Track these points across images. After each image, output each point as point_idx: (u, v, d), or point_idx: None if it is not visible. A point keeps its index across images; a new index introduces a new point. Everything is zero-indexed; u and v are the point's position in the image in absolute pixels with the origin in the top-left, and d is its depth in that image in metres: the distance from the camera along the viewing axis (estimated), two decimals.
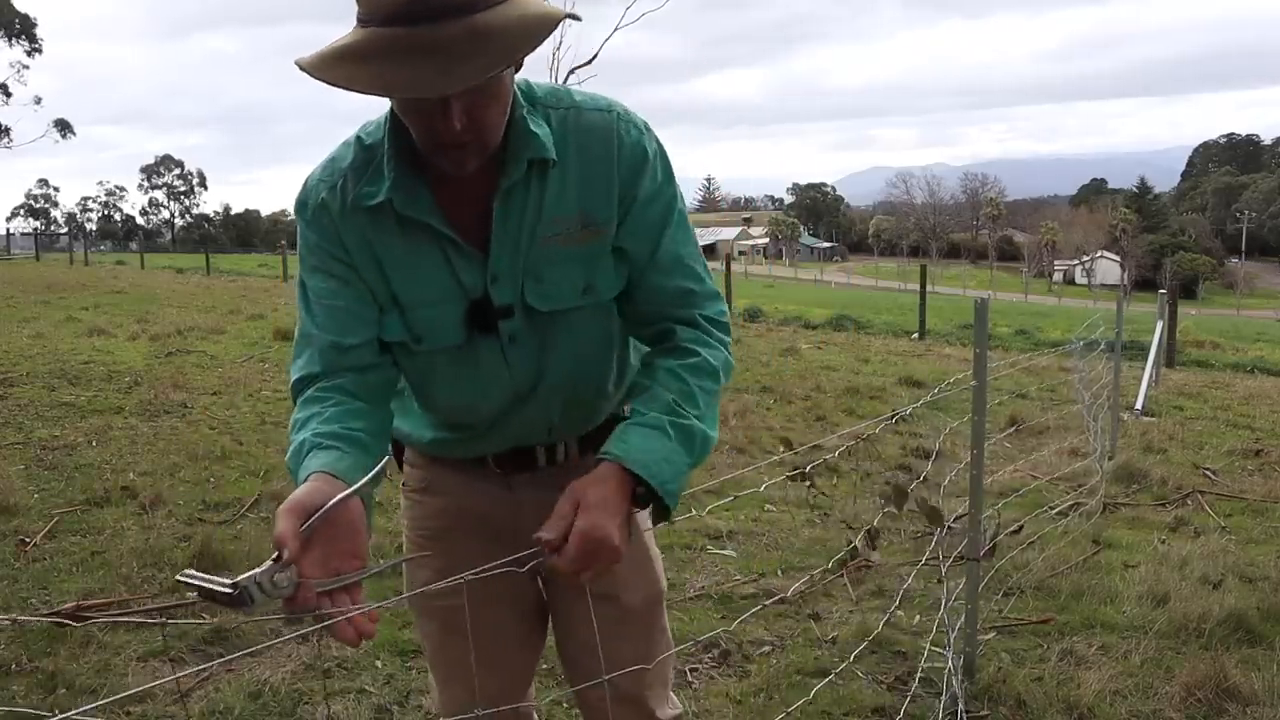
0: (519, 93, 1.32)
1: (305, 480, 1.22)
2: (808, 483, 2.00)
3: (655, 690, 1.66)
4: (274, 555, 1.09)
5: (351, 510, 1.19)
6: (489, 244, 1.34)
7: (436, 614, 1.59)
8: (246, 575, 1.06)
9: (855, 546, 2.15)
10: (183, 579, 1.06)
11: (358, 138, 1.37)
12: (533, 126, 1.30)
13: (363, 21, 1.15)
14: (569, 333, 1.42)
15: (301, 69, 1.15)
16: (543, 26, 1.16)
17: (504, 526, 1.52)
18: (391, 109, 1.30)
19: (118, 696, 2.70)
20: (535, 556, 1.26)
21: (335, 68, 1.14)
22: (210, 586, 1.05)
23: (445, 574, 1.36)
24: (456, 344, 1.39)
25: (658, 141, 1.41)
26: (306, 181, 1.39)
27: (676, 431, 1.32)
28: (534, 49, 1.17)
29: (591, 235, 1.37)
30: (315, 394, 1.41)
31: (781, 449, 5.90)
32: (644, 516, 1.50)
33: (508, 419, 1.48)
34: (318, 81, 1.15)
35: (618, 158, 1.36)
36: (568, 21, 1.25)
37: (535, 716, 1.79)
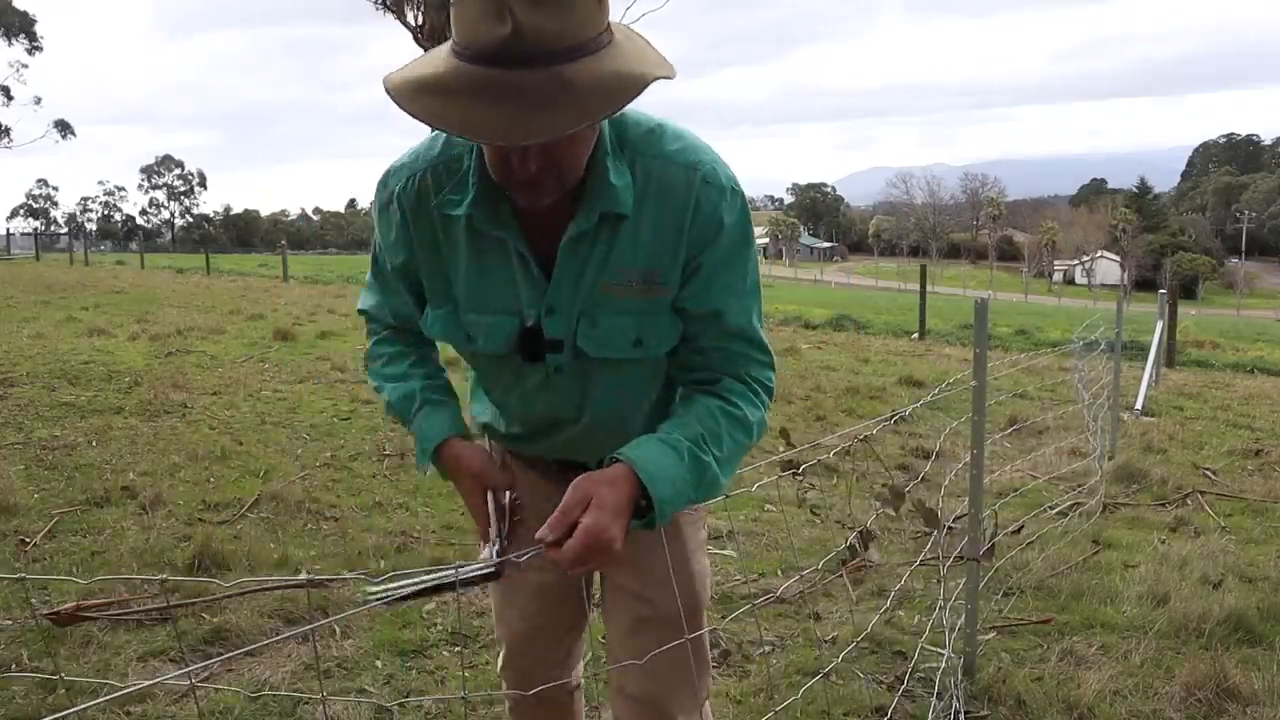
0: (609, 130, 1.31)
1: (438, 438, 1.47)
2: (800, 477, 2.00)
3: (682, 701, 1.64)
4: (494, 532, 1.40)
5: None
6: (551, 274, 1.37)
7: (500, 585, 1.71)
8: (493, 552, 1.39)
9: (852, 546, 2.16)
10: (386, 597, 1.26)
11: (446, 138, 1.38)
12: (613, 177, 1.30)
13: (456, 53, 1.14)
14: (614, 378, 1.45)
15: (387, 92, 1.16)
16: (629, 89, 1.14)
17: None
18: None
19: (117, 695, 2.70)
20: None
21: (419, 99, 1.14)
22: (435, 582, 1.29)
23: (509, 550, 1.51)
24: (500, 354, 1.45)
25: (741, 203, 1.38)
26: (389, 168, 1.43)
27: (692, 461, 1.33)
28: (615, 111, 1.15)
29: (652, 291, 1.36)
30: (400, 340, 1.56)
31: (781, 447, 5.90)
32: (694, 528, 1.64)
33: (552, 434, 1.55)
34: (398, 107, 1.16)
35: (691, 221, 1.34)
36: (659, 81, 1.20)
37: (580, 696, 1.88)
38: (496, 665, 1.89)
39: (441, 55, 1.16)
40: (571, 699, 1.85)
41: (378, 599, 1.23)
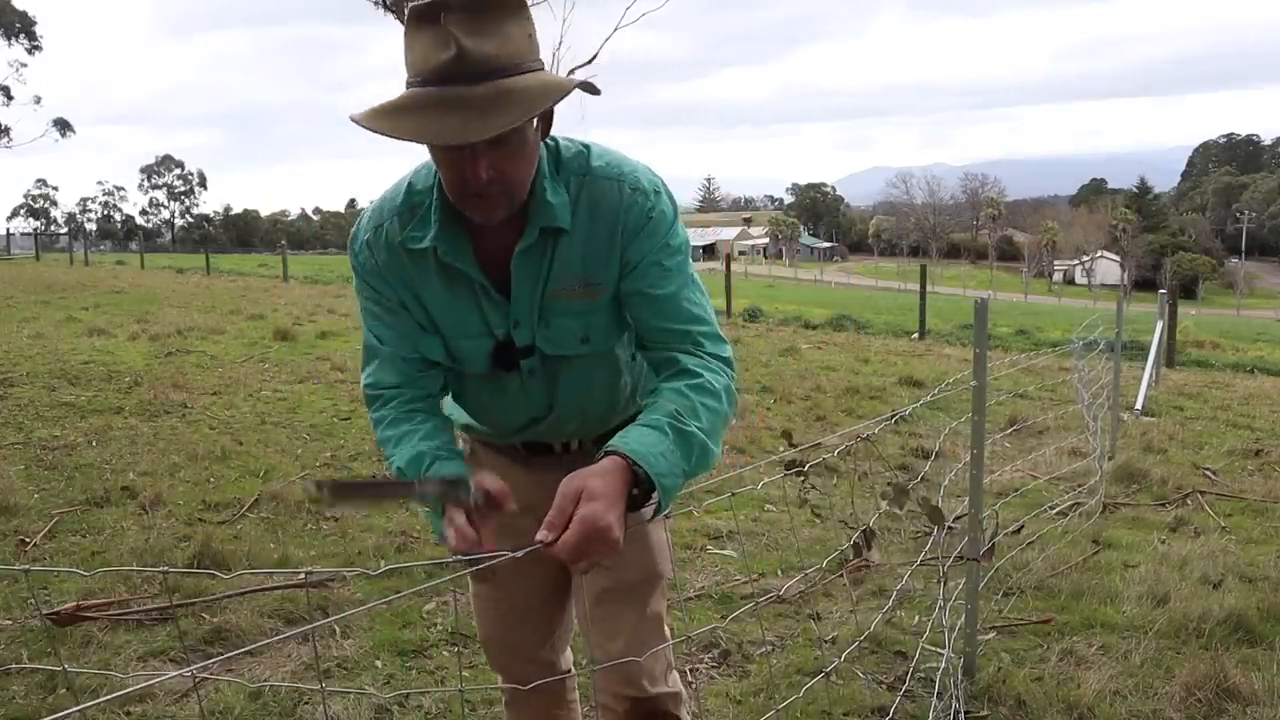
0: (545, 158, 1.49)
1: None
2: (802, 477, 2.01)
3: (649, 663, 1.74)
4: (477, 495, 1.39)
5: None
6: (509, 293, 1.53)
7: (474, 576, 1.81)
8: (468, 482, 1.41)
9: (856, 545, 2.15)
10: (335, 483, 1.30)
11: (409, 183, 1.56)
12: (550, 196, 1.48)
13: (409, 83, 1.34)
14: (573, 372, 1.62)
15: (354, 121, 1.34)
16: (559, 90, 1.33)
17: (524, 502, 1.63)
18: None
19: (117, 695, 2.70)
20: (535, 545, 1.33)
21: (380, 120, 1.31)
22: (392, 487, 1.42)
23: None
24: (483, 372, 1.60)
25: (666, 201, 1.55)
26: (359, 218, 1.61)
27: (675, 434, 1.40)
28: (546, 107, 1.33)
29: (592, 294, 1.54)
30: (403, 409, 1.59)
31: (783, 447, 5.90)
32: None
33: (526, 430, 1.71)
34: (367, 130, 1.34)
35: (622, 225, 1.51)
36: (578, 90, 1.40)
37: (571, 683, 2.00)
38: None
39: (398, 91, 1.36)
40: (563, 685, 1.96)
41: (323, 488, 1.34)
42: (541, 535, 1.28)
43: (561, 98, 1.34)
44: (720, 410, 1.48)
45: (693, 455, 1.41)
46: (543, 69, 1.37)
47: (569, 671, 1.98)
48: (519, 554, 1.34)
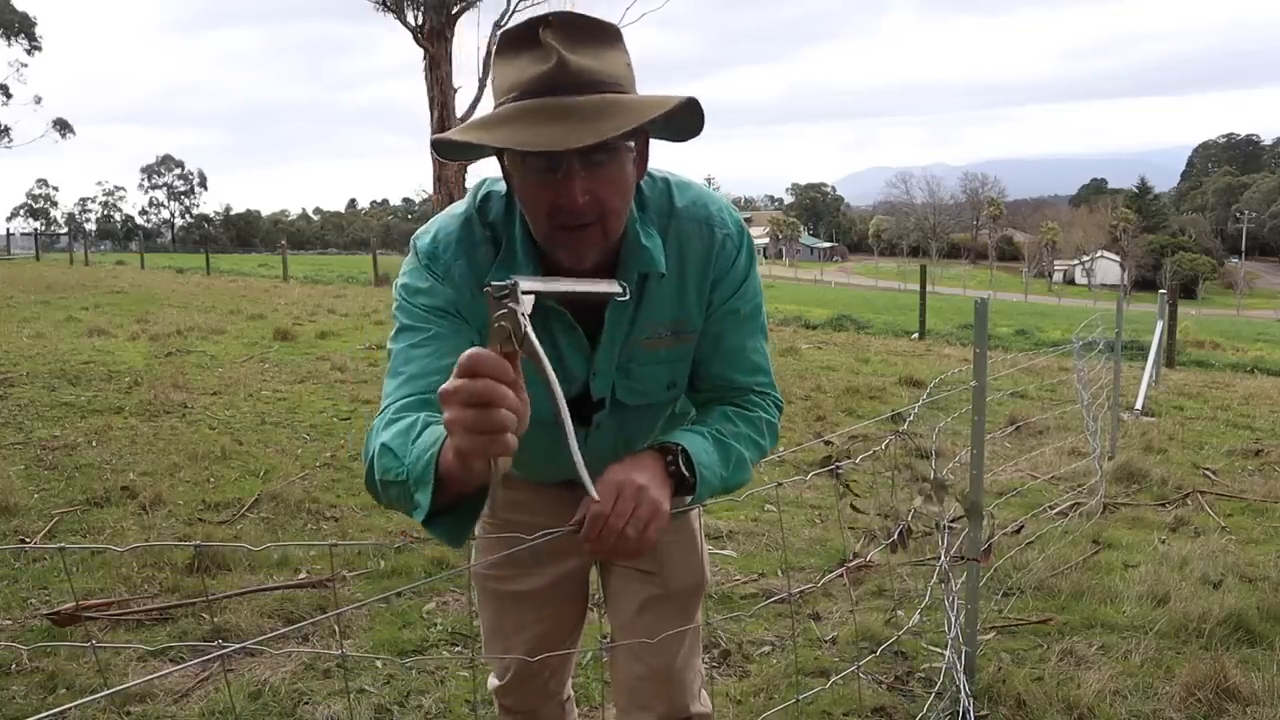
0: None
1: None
2: (838, 469, 2.01)
3: (689, 679, 1.71)
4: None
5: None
6: (596, 338, 1.42)
7: (493, 595, 1.74)
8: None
9: (894, 541, 2.16)
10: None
11: (479, 209, 1.41)
12: (644, 240, 1.37)
13: (503, 102, 1.24)
14: (645, 418, 1.55)
15: (439, 140, 1.26)
16: (664, 102, 1.23)
17: (547, 522, 1.57)
18: (510, 198, 1.36)
19: (117, 689, 2.70)
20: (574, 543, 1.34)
21: (472, 132, 1.22)
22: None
23: (507, 563, 1.61)
24: (545, 419, 1.34)
25: (748, 240, 1.49)
26: (438, 234, 1.40)
27: (715, 443, 1.41)
28: (655, 116, 1.22)
29: (680, 340, 1.47)
30: (402, 410, 1.31)
31: (781, 447, 5.91)
32: (697, 513, 1.70)
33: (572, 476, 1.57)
34: (446, 154, 1.27)
35: (714, 272, 1.45)
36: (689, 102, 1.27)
37: (571, 706, 1.94)
38: (488, 685, 1.89)
39: (489, 109, 1.27)
40: (563, 711, 1.91)
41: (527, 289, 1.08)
42: (596, 507, 1.27)
43: (670, 106, 1.23)
44: (761, 443, 1.49)
45: (730, 465, 1.41)
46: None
47: (569, 697, 1.94)
48: (547, 535, 1.36)
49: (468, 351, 0.99)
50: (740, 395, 1.51)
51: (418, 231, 1.45)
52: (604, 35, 1.26)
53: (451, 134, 1.24)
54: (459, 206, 1.44)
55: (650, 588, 1.65)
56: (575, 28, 1.23)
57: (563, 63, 1.19)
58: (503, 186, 1.40)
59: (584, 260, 1.29)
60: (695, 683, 1.72)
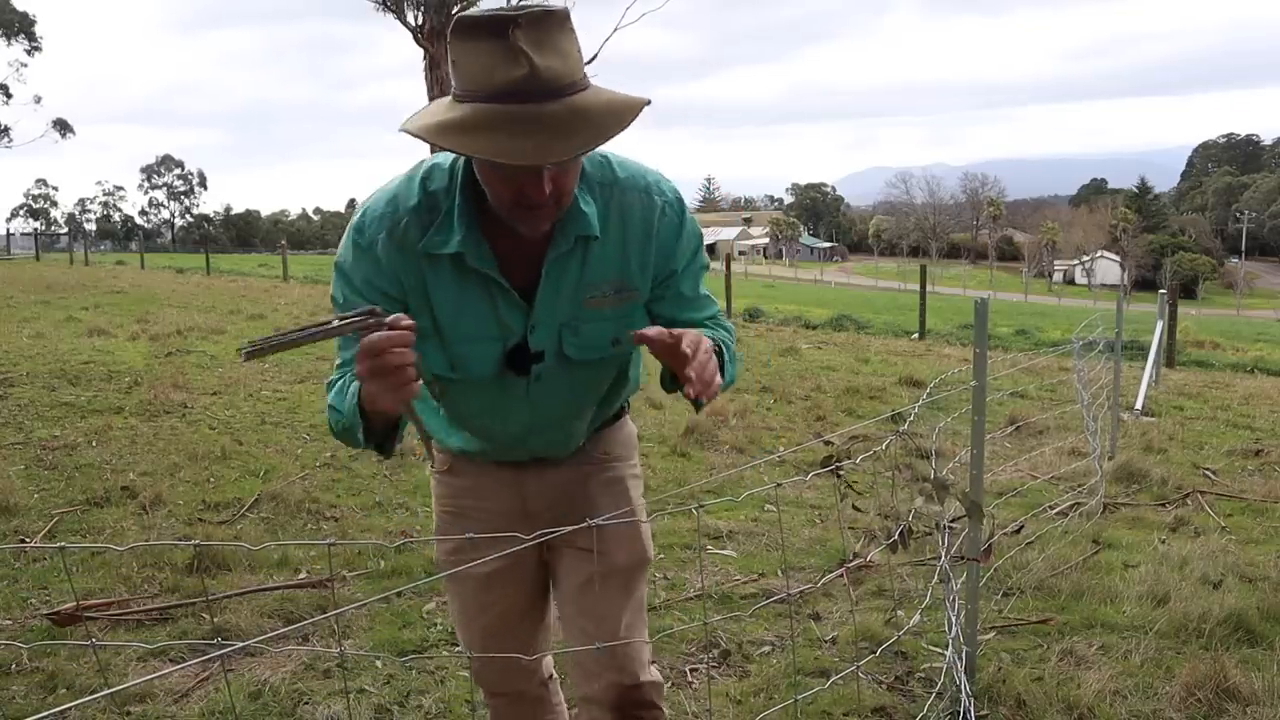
0: None
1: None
2: (839, 469, 2.01)
3: (636, 648, 1.75)
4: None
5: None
6: (533, 296, 1.54)
7: (457, 579, 1.80)
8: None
9: (894, 541, 2.15)
10: (255, 347, 1.24)
11: (422, 181, 1.52)
12: (583, 205, 1.50)
13: (462, 98, 1.32)
14: (591, 374, 1.65)
15: (408, 133, 1.33)
16: (629, 111, 1.34)
17: (511, 508, 1.76)
18: (468, 168, 1.47)
19: (117, 688, 2.70)
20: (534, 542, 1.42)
21: (448, 136, 1.30)
22: (314, 330, 1.27)
23: (463, 547, 1.71)
24: (486, 377, 1.58)
25: (684, 205, 1.63)
26: (366, 211, 1.54)
27: (720, 339, 1.60)
28: (622, 130, 1.33)
29: (625, 299, 1.59)
30: (338, 374, 1.57)
31: (782, 447, 5.90)
32: (636, 486, 1.80)
33: (526, 440, 1.70)
34: (426, 142, 1.33)
35: (655, 235, 1.58)
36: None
37: (554, 686, 2.00)
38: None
39: (447, 103, 1.34)
40: (546, 690, 1.96)
41: (250, 350, 1.25)
42: (654, 331, 1.36)
43: (633, 120, 1.34)
44: (735, 349, 1.65)
45: (733, 356, 1.62)
46: (591, 84, 1.38)
47: (552, 676, 1.99)
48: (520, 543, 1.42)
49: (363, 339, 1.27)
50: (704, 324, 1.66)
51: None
52: (562, 26, 1.32)
53: (423, 133, 1.32)
54: (392, 183, 1.55)
55: (590, 565, 1.72)
56: (540, 26, 1.28)
57: (534, 71, 1.27)
58: (446, 158, 1.51)
59: (539, 230, 1.45)
60: (644, 652, 1.77)
